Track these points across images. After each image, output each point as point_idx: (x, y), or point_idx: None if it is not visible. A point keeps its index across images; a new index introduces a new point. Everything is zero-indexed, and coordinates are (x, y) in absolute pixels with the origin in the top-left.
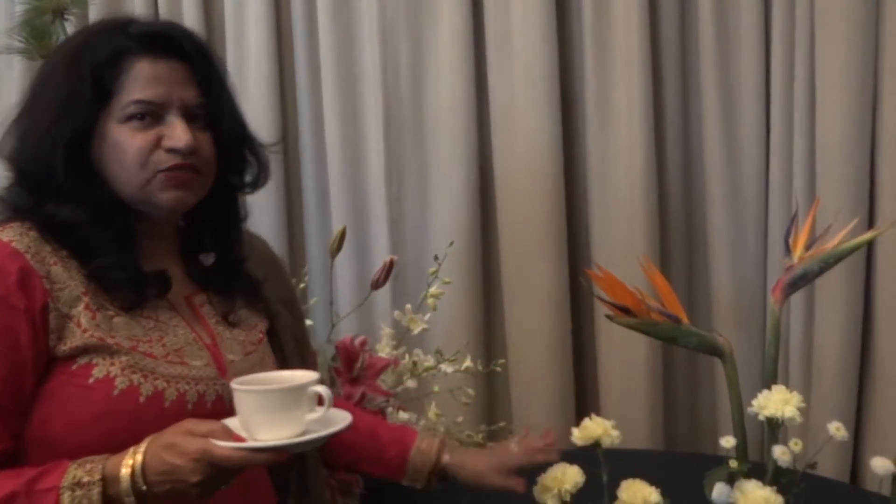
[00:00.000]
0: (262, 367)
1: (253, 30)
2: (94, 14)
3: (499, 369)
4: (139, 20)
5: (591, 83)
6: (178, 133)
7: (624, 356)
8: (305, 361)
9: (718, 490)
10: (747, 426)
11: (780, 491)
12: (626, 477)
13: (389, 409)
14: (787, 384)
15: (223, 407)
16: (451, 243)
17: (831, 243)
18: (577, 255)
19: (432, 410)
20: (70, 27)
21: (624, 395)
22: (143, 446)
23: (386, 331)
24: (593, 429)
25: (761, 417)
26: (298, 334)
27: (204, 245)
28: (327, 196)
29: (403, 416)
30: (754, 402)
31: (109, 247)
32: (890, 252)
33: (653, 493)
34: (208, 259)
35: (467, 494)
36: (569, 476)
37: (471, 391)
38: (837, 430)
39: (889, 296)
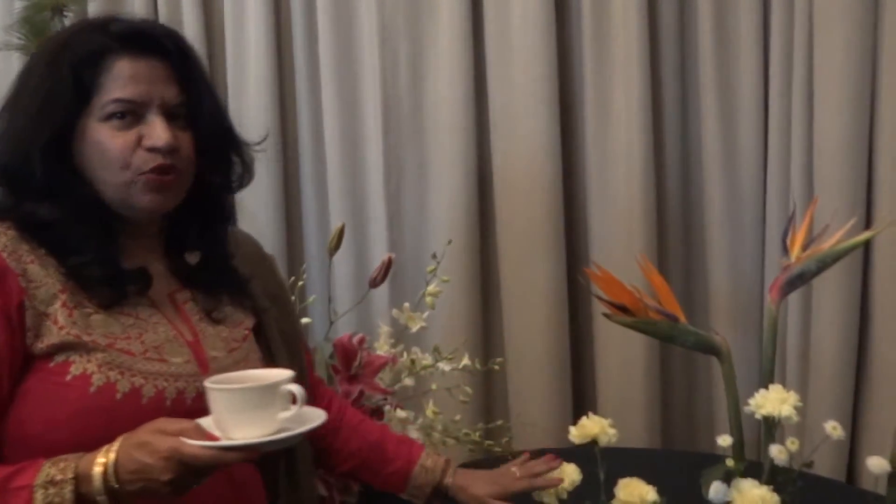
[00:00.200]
0: (247, 364)
1: (252, 28)
2: (93, 11)
3: (497, 368)
4: (120, 19)
5: (590, 83)
6: (157, 132)
7: (621, 355)
8: (296, 357)
9: (715, 488)
10: (744, 425)
11: (777, 490)
12: (623, 475)
13: (387, 408)
14: (783, 383)
15: (204, 404)
16: (450, 241)
17: (828, 243)
18: (576, 254)
19: (430, 408)
20: (69, 24)
21: (621, 393)
22: (115, 444)
23: (384, 329)
24: (591, 427)
25: (758, 416)
26: (288, 330)
27: (189, 243)
28: (326, 194)
29: (401, 414)
30: (751, 401)
31: (87, 244)
32: (887, 252)
33: (650, 492)
34: (193, 258)
35: None
36: (566, 474)
37: (468, 389)
38: (834, 429)
39: (886, 296)
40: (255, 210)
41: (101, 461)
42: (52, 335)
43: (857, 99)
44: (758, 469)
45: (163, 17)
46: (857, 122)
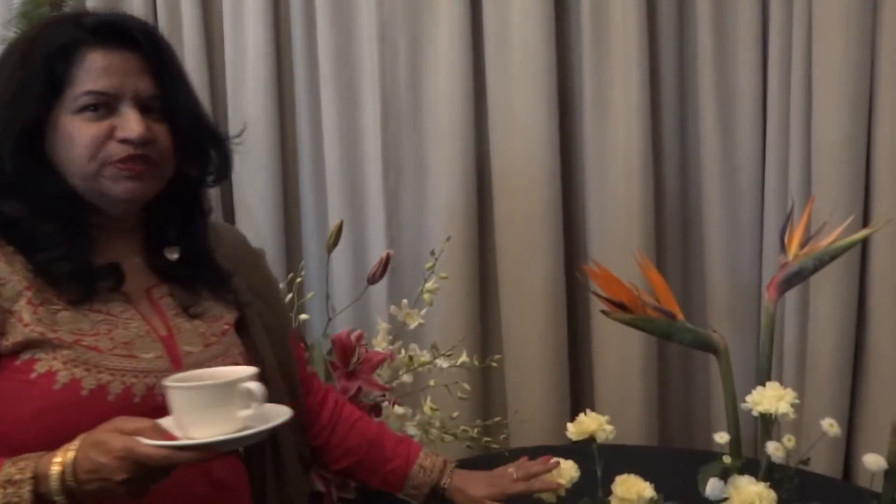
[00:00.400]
0: (225, 359)
1: (251, 25)
2: (92, 7)
3: (495, 365)
4: (92, 12)
5: (588, 80)
6: (130, 124)
7: (619, 352)
8: (282, 352)
9: (712, 485)
10: (741, 422)
11: (774, 486)
12: (620, 472)
13: (385, 404)
14: (780, 381)
15: None
16: (448, 238)
17: (826, 241)
18: (574, 252)
19: (428, 405)
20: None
21: (619, 390)
22: (75, 443)
23: (382, 325)
24: (588, 424)
25: (755, 413)
26: (274, 325)
27: (168, 238)
28: (324, 190)
29: (399, 410)
30: (748, 399)
31: (56, 240)
32: (884, 250)
33: (647, 489)
34: (173, 253)
35: None
36: (564, 471)
37: (466, 386)
38: (830, 426)
39: (883, 294)
40: (254, 207)
41: (58, 461)
42: (18, 333)
43: (855, 97)
44: (755, 466)
45: (162, 14)
46: (855, 121)
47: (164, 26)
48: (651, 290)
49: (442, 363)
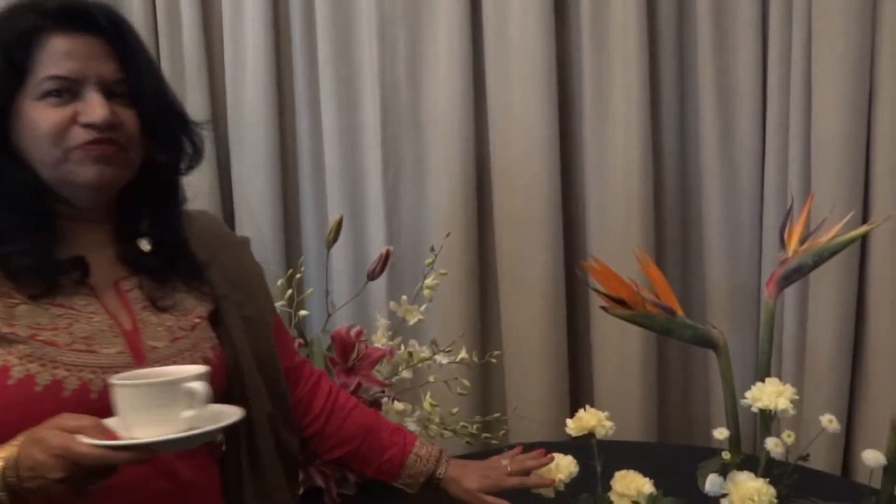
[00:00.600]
0: (193, 353)
1: (250, 21)
2: None
3: (494, 361)
4: None
5: (588, 77)
6: (94, 108)
7: (619, 348)
8: (261, 344)
9: (711, 481)
10: (740, 418)
11: (773, 482)
12: (619, 468)
13: (385, 400)
14: (780, 377)
15: None
16: (448, 234)
17: (826, 237)
18: (573, 248)
19: (427, 401)
20: None
21: (618, 386)
22: (19, 439)
23: (382, 321)
24: (587, 420)
25: (754, 409)
26: (254, 315)
27: (141, 228)
28: (324, 187)
29: (399, 406)
30: (748, 395)
31: (18, 233)
32: (884, 246)
33: (646, 484)
34: (145, 244)
35: None
36: (563, 466)
37: (466, 382)
38: (830, 422)
39: (882, 290)
40: (254, 203)
41: (1, 456)
42: None
43: (854, 94)
44: (754, 462)
45: (161, 12)
46: (854, 118)
47: (163, 25)
48: (650, 287)
49: (441, 359)
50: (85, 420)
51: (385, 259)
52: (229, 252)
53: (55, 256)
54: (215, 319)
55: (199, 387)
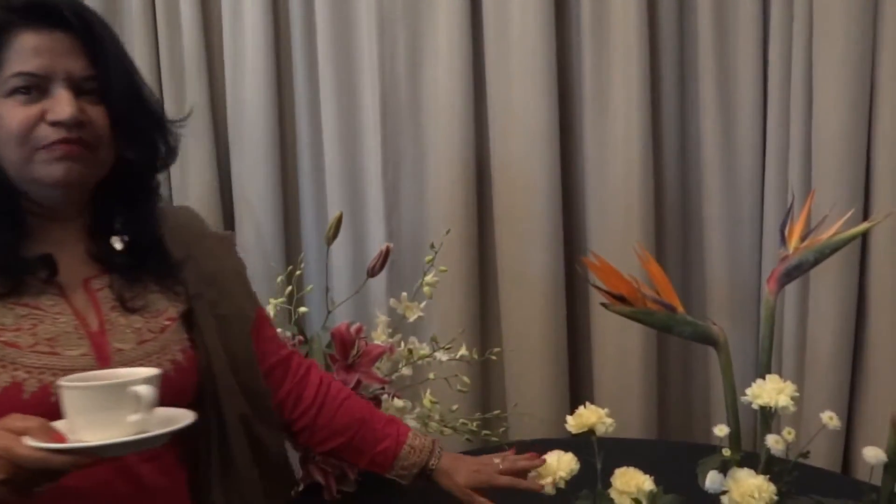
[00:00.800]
0: (161, 356)
1: (249, 18)
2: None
3: (494, 358)
4: None
5: (588, 73)
6: (61, 105)
7: (619, 345)
8: (237, 342)
9: (711, 478)
10: (741, 415)
11: (773, 479)
12: (619, 465)
13: (385, 397)
14: (780, 374)
15: None
16: (448, 231)
17: (826, 234)
18: (573, 245)
19: (427, 398)
20: None
21: (618, 383)
22: None
23: (381, 318)
24: (588, 416)
25: (755, 406)
26: (231, 313)
27: (114, 226)
28: (324, 183)
29: (398, 403)
30: (748, 391)
31: None
32: (884, 243)
33: (646, 481)
34: (118, 242)
35: None
36: (563, 463)
37: (466, 379)
38: (830, 419)
39: (883, 287)
40: (254, 200)
41: None
42: None
43: (855, 90)
44: (754, 459)
45: (160, 7)
46: (855, 114)
47: (162, 24)
48: (651, 283)
49: (441, 356)
50: (32, 421)
51: (385, 256)
52: (204, 249)
53: (22, 254)
54: (190, 319)
55: (145, 390)
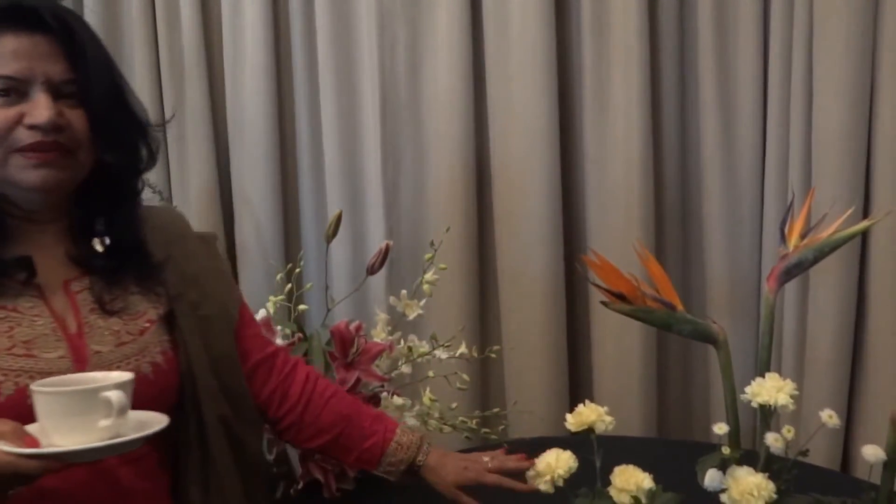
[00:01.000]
0: (140, 358)
1: (249, 14)
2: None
3: (493, 355)
4: None
5: (589, 71)
6: (39, 109)
7: (618, 343)
8: (220, 342)
9: (711, 476)
10: (740, 413)
11: (772, 477)
12: (619, 463)
13: (384, 395)
14: (780, 372)
15: None
16: (448, 229)
17: (826, 232)
18: (573, 243)
19: (427, 396)
20: None
21: (618, 381)
22: None
23: (381, 316)
24: (587, 414)
25: (754, 404)
26: (213, 313)
27: (95, 228)
28: (323, 181)
29: (398, 401)
30: (747, 390)
31: None
32: (884, 242)
33: (646, 479)
34: (99, 244)
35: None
36: (562, 461)
37: (465, 377)
38: (830, 417)
39: (882, 285)
40: (253, 198)
41: None
42: None
43: (856, 89)
44: (753, 457)
45: (160, 5)
46: (856, 112)
47: (162, 22)
48: (650, 281)
49: (441, 354)
50: (5, 425)
51: (384, 254)
52: (186, 250)
53: (1, 256)
54: (171, 321)
55: (116, 396)
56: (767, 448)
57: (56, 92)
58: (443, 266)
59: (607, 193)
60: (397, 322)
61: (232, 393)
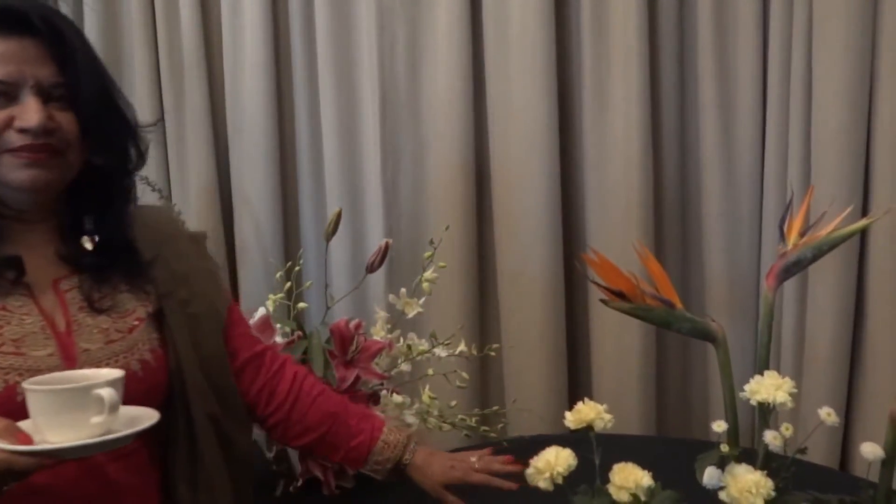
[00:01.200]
0: (129, 356)
1: (249, 13)
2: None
3: (493, 354)
4: None
5: (588, 70)
6: (29, 112)
7: (618, 341)
8: (209, 341)
9: (709, 474)
10: (739, 411)
11: (771, 475)
12: (618, 461)
13: (383, 393)
14: (778, 370)
15: None
16: (447, 227)
17: (825, 230)
18: (573, 242)
19: (426, 394)
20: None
21: (617, 379)
22: None
23: (381, 314)
24: (586, 412)
25: (753, 402)
26: (202, 312)
27: (85, 227)
28: (323, 180)
29: (397, 399)
30: (746, 387)
31: None
32: (883, 240)
33: (645, 477)
34: (88, 242)
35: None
36: (561, 459)
37: (465, 375)
38: (828, 415)
39: (881, 284)
40: (253, 196)
41: None
42: None
43: (854, 87)
44: (752, 455)
45: (159, 4)
46: (854, 111)
47: (161, 21)
48: (650, 279)
49: (440, 352)
50: (1, 423)
51: (384, 252)
52: (176, 249)
53: None
54: (160, 319)
55: (108, 393)
56: (766, 446)
57: (46, 95)
58: (442, 264)
59: (607, 193)
60: (397, 320)
61: (221, 391)
